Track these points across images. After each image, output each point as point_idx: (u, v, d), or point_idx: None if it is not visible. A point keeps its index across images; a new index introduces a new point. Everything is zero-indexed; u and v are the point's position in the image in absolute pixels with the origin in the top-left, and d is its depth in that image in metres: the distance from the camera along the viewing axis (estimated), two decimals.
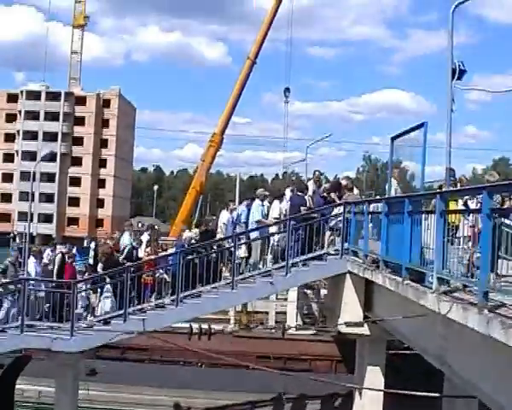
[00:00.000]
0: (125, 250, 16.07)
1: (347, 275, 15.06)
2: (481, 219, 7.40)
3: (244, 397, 22.11)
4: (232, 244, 15.09)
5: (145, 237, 17.13)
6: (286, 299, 33.12)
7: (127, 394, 21.89)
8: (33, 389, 21.65)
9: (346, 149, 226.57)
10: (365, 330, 15.20)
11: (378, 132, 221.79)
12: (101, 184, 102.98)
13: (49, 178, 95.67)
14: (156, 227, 22.58)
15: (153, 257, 16.13)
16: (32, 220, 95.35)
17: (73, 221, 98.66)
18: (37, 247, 17.53)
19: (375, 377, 15.54)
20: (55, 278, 16.04)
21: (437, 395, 13.59)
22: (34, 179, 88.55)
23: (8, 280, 15.62)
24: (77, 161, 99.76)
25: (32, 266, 16.16)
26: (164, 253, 16.97)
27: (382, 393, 15.17)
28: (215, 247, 15.70)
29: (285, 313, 32.65)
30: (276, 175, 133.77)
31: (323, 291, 33.71)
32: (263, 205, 16.28)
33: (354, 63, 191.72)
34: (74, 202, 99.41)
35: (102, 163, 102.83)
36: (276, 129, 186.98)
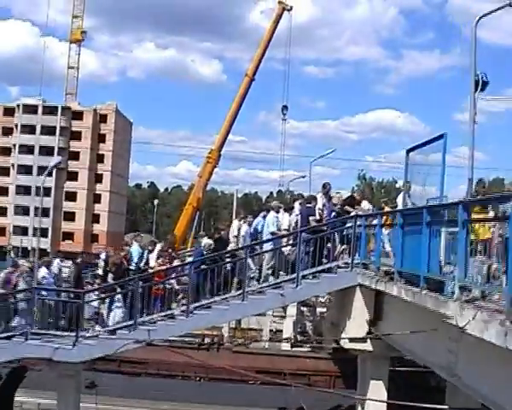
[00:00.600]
0: (144, 255, 16.20)
1: (357, 288, 15.14)
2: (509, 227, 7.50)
3: None
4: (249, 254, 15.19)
5: (157, 248, 17.21)
6: (282, 317, 33.15)
7: (126, 407, 21.81)
8: (32, 402, 21.50)
9: (340, 168, 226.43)
10: (368, 345, 15.24)
11: (372, 152, 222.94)
12: (97, 199, 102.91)
13: (44, 192, 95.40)
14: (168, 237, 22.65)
15: (164, 267, 16.17)
16: (26, 234, 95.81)
17: (68, 236, 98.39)
18: (49, 258, 17.53)
19: (377, 392, 15.50)
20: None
21: (444, 407, 13.68)
22: (35, 194, 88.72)
23: (22, 288, 15.62)
24: (73, 176, 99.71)
25: (43, 275, 16.19)
26: (177, 263, 16.99)
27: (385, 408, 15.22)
28: (228, 258, 15.75)
29: (279, 331, 32.61)
30: (271, 193, 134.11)
31: (319, 309, 33.80)
32: (277, 217, 16.35)
33: (349, 83, 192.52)
34: (70, 216, 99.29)
35: (98, 178, 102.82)
36: (271, 147, 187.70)
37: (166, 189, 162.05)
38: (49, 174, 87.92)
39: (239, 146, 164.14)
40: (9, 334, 15.19)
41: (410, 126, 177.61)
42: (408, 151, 12.49)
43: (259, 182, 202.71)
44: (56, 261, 17.35)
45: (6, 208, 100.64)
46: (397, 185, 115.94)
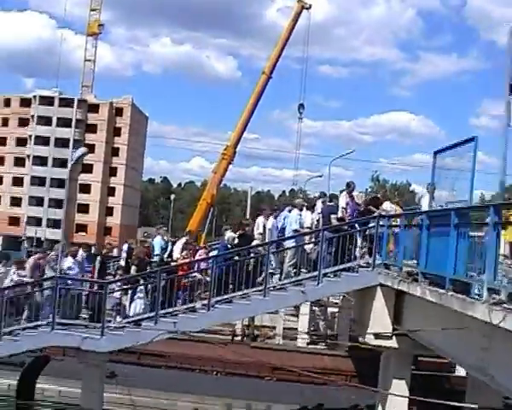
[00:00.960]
0: (167, 247, 16.36)
1: (378, 288, 15.20)
2: None
3: (262, 406, 22.20)
4: (272, 250, 15.35)
5: (182, 241, 17.36)
6: (293, 315, 33.23)
7: (144, 397, 22.03)
8: (53, 389, 21.83)
9: (353, 170, 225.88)
10: (393, 342, 15.29)
11: (386, 154, 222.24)
12: (111, 192, 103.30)
13: (58, 183, 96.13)
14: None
15: (187, 260, 16.31)
16: (40, 225, 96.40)
17: (82, 228, 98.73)
18: (75, 248, 17.73)
19: (400, 390, 15.52)
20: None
21: (465, 404, 13.76)
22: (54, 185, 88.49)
23: (48, 275, 15.82)
24: (87, 168, 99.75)
25: (69, 265, 16.40)
26: (201, 254, 17.10)
27: (406, 406, 15.28)
28: (252, 253, 15.87)
29: (293, 328, 32.67)
30: (284, 192, 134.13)
31: (330, 309, 33.90)
32: (300, 215, 16.43)
33: (365, 84, 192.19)
34: (83, 208, 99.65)
35: (113, 171, 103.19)
36: (284, 146, 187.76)
37: (179, 184, 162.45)
38: (65, 166, 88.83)
39: (252, 144, 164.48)
40: (37, 323, 15.40)
41: (424, 129, 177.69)
42: (435, 153, 12.53)
43: (272, 180, 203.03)
44: (80, 252, 17.52)
45: (21, 199, 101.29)
46: (410, 188, 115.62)
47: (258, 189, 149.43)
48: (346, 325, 29.03)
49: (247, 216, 55.40)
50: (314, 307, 32.93)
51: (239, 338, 29.90)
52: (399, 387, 15.57)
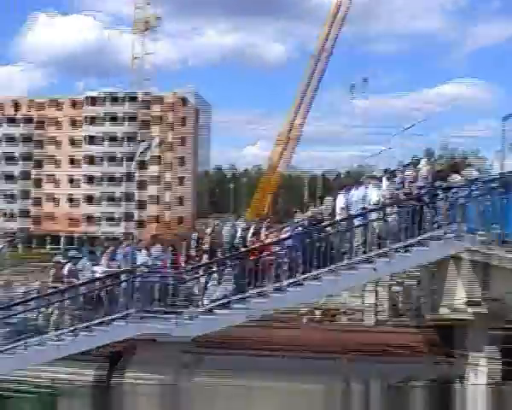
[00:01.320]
0: (237, 234, 16.53)
1: (463, 254, 14.88)
2: None
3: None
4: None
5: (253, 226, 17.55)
6: (355, 295, 32.94)
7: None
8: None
9: (416, 143, 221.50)
10: (483, 308, 14.80)
11: (444, 126, 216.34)
12: (180, 181, 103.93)
13: (128, 178, 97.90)
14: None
15: (269, 241, 16.32)
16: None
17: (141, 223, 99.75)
18: (148, 241, 18.16)
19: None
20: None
21: None
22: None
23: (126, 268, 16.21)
24: (156, 161, 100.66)
25: (142, 258, 16.84)
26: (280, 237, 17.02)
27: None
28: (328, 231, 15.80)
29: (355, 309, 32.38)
30: (339, 173, 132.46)
31: (395, 288, 33.46)
32: (367, 192, 16.18)
33: (416, 58, 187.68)
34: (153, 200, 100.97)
35: (180, 161, 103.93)
36: (336, 127, 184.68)
37: (246, 170, 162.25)
38: (131, 160, 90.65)
39: (304, 127, 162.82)
40: (127, 311, 15.69)
41: (481, 95, 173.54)
42: (505, 118, 12.23)
43: (326, 163, 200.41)
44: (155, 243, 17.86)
45: (78, 199, 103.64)
46: (479, 155, 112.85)
47: (314, 172, 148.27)
48: (415, 301, 28.55)
49: (305, 199, 55.43)
50: (377, 288, 32.61)
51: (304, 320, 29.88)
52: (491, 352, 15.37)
